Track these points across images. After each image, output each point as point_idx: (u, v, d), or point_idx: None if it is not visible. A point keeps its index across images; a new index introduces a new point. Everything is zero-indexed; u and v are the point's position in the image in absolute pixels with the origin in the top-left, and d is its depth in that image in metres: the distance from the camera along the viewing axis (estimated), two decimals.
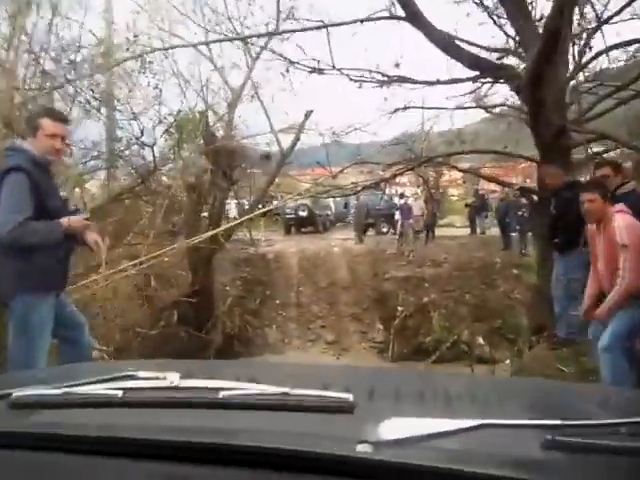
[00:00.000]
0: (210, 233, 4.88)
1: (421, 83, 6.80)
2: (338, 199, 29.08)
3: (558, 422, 0.88)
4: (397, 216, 18.02)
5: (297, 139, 10.42)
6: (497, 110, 9.39)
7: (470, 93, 7.93)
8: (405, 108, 7.02)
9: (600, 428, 0.90)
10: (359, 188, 6.10)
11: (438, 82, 6.80)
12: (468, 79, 6.80)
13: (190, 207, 9.85)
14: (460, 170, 7.07)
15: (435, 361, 11.30)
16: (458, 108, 7.21)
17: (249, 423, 0.99)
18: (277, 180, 10.40)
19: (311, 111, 10.35)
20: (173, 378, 1.08)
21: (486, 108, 9.04)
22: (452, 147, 8.89)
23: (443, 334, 11.77)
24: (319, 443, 0.85)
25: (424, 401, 1.23)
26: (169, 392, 1.05)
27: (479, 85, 7.76)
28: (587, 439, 0.82)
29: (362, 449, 0.82)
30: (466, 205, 20.55)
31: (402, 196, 18.54)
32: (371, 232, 21.71)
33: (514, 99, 8.20)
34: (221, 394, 0.99)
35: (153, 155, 6.26)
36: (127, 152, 6.09)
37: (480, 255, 14.49)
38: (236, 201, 10.10)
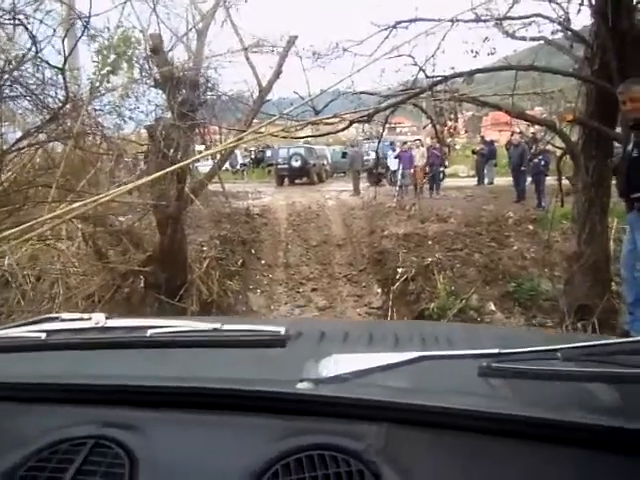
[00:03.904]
0: (128, 187, 3.29)
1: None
2: (336, 148, 27.59)
3: (495, 351, 0.87)
4: (395, 165, 16.33)
5: (279, 72, 8.65)
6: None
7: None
8: (412, 21, 5.24)
9: (536, 354, 0.88)
10: (341, 127, 4.37)
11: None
12: None
13: (153, 155, 8.22)
14: (484, 104, 5.28)
15: None
16: (479, 20, 5.41)
17: (178, 362, 0.95)
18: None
19: (295, 37, 8.56)
20: (99, 318, 1.03)
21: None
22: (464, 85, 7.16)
23: (449, 299, 10.39)
24: (257, 381, 0.85)
25: (365, 340, 1.19)
26: (95, 333, 1.00)
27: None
28: (522, 365, 0.83)
29: (302, 386, 0.81)
30: (473, 152, 18.87)
31: (404, 143, 16.80)
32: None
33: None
34: (149, 332, 0.95)
35: (64, 79, 4.56)
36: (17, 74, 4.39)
37: (490, 209, 12.97)
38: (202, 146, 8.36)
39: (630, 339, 0.99)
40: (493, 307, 10.51)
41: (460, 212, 12.61)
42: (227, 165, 28.29)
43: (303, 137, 5.88)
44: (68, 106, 4.89)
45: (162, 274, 9.77)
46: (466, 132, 27.53)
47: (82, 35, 4.62)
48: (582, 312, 4.72)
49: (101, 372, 0.91)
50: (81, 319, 1.07)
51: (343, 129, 4.39)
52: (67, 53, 4.44)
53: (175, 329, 0.98)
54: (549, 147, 10.20)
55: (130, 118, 7.03)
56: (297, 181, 22.73)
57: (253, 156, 29.92)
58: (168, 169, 4.28)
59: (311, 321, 1.96)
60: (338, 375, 0.83)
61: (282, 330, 0.95)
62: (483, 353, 0.88)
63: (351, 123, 4.02)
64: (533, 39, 6.12)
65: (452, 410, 0.79)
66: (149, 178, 3.90)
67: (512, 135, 19.14)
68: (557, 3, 6.62)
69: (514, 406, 0.82)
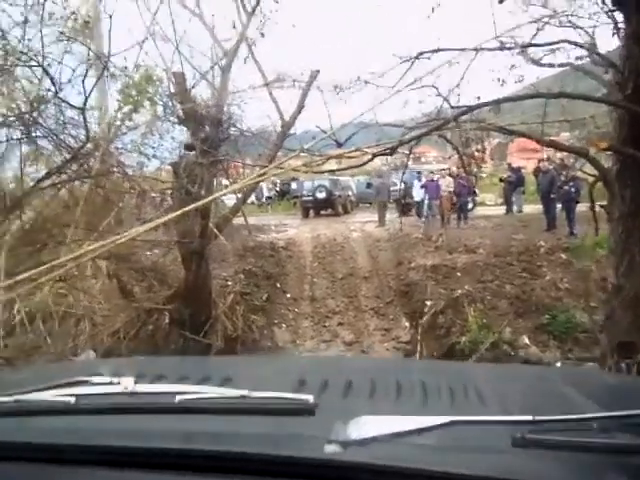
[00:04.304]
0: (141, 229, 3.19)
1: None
2: (361, 179, 27.59)
3: (529, 418, 0.85)
4: (420, 195, 16.14)
5: (301, 106, 8.67)
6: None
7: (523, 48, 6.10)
8: (435, 51, 5.14)
9: (571, 423, 0.86)
10: (368, 159, 4.23)
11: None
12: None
13: (177, 191, 8.24)
14: (511, 132, 5.10)
15: None
16: (504, 48, 5.27)
17: (207, 427, 0.95)
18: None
19: (317, 71, 8.58)
20: (127, 383, 1.03)
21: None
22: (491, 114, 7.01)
23: (480, 333, 10.04)
24: (284, 445, 0.85)
25: (393, 395, 1.17)
26: (123, 397, 1.01)
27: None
28: (557, 436, 0.81)
29: (329, 450, 0.79)
30: (500, 180, 18.54)
31: (430, 173, 16.63)
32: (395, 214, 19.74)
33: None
34: (177, 398, 0.95)
35: (84, 118, 4.55)
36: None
37: (520, 238, 12.63)
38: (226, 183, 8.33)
39: None
40: (527, 340, 10.10)
41: (489, 242, 12.32)
42: (253, 198, 28.58)
43: (325, 171, 5.82)
44: (90, 145, 4.89)
45: (186, 310, 9.69)
46: (492, 159, 27.30)
47: (102, 74, 4.65)
48: (625, 349, 4.42)
49: (129, 436, 0.92)
50: (110, 383, 1.07)
51: (366, 162, 4.27)
52: (88, 93, 4.45)
53: (202, 395, 0.98)
54: (579, 174, 9.91)
55: (154, 156, 7.05)
56: (322, 212, 22.69)
57: (278, 189, 30.10)
58: (189, 207, 4.19)
59: (336, 364, 1.84)
60: (366, 438, 0.81)
61: (310, 398, 0.93)
62: (516, 420, 0.87)
63: (374, 156, 3.90)
64: (561, 65, 5.96)
65: (485, 479, 0.77)
66: (168, 217, 3.82)
67: (540, 162, 18.89)
68: (582, 28, 6.49)
69: (549, 477, 0.80)
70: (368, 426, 0.84)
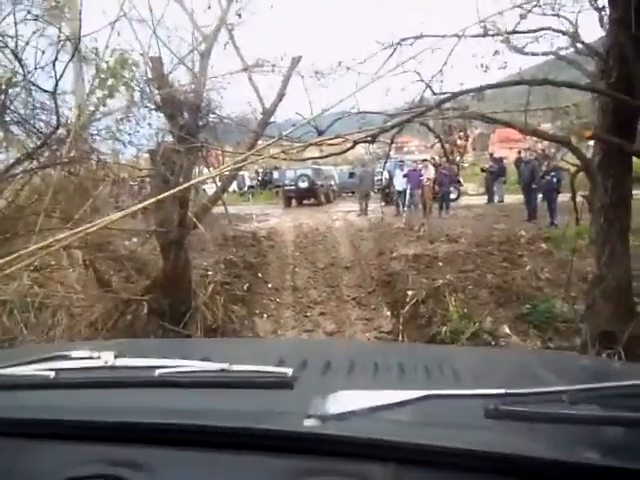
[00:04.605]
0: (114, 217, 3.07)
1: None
2: (344, 168, 27.46)
3: (501, 391, 0.87)
4: (402, 184, 16.08)
5: (282, 94, 8.52)
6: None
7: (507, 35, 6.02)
8: (417, 37, 5.03)
9: (543, 396, 0.89)
10: (348, 146, 4.11)
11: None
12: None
13: (155, 179, 8.07)
14: (494, 121, 5.03)
15: None
16: (487, 35, 5.19)
17: (187, 401, 0.96)
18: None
19: (299, 57, 8.44)
20: (107, 357, 1.04)
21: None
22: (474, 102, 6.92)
23: (462, 322, 10.05)
24: (264, 420, 0.85)
25: (371, 373, 1.20)
26: (103, 372, 1.01)
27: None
28: (528, 408, 0.83)
29: (308, 423, 0.81)
30: (482, 170, 18.60)
31: (413, 162, 16.58)
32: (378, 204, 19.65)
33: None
34: (157, 372, 0.96)
35: (55, 103, 4.37)
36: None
37: (501, 227, 12.67)
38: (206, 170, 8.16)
39: (629, 382, 0.92)
40: (507, 330, 10.14)
41: (470, 232, 12.31)
42: (235, 187, 28.30)
43: (305, 159, 5.65)
44: (62, 131, 4.70)
45: (165, 300, 9.54)
46: (474, 149, 27.36)
47: (72, 57, 4.46)
48: (606, 339, 4.41)
49: (108, 410, 0.92)
50: (90, 357, 1.06)
51: (347, 150, 4.17)
52: (58, 76, 4.27)
53: (182, 369, 0.99)
54: (561, 164, 9.93)
55: (130, 143, 6.85)
56: (305, 202, 22.56)
57: (260, 178, 29.86)
58: (164, 194, 4.05)
59: (316, 345, 1.99)
60: (344, 412, 0.83)
61: (289, 371, 0.94)
62: (489, 393, 0.88)
63: (355, 144, 3.80)
64: (544, 54, 5.90)
65: (459, 450, 0.79)
66: (142, 205, 3.68)
67: (520, 152, 18.97)
68: (565, 18, 6.43)
69: (520, 447, 0.81)
70: (346, 400, 0.86)
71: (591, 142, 6.27)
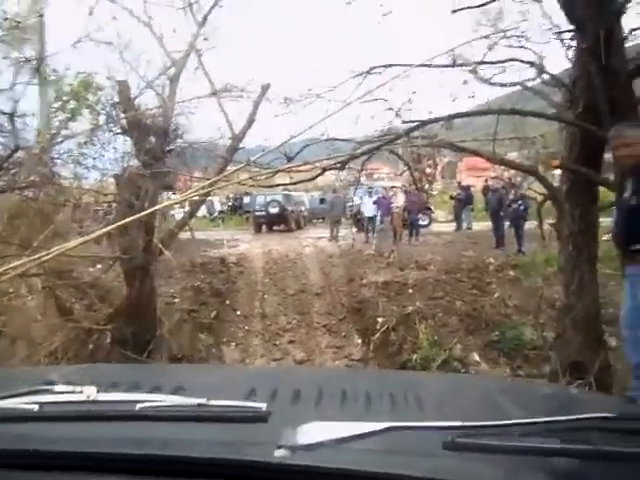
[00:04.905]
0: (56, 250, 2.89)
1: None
2: (314, 194, 27.50)
3: (459, 423, 0.94)
4: (371, 211, 16.14)
5: (252, 120, 8.48)
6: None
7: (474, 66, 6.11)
8: (387, 66, 5.02)
9: (495, 428, 0.94)
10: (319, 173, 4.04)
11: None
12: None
13: (120, 204, 7.86)
14: (462, 149, 5.04)
15: None
16: (455, 65, 5.23)
17: (164, 433, 1.01)
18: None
19: (268, 84, 8.42)
20: (89, 392, 1.08)
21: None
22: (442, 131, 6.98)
23: (432, 350, 9.98)
24: (237, 451, 0.93)
25: (339, 403, 1.26)
26: (85, 405, 1.06)
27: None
28: (482, 440, 0.90)
29: (279, 454, 0.86)
30: (451, 197, 18.83)
31: (383, 189, 16.66)
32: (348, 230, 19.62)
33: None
34: (137, 406, 1.01)
35: (13, 125, 4.18)
36: None
37: (470, 254, 12.76)
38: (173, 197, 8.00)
39: (584, 416, 0.97)
40: (477, 357, 10.10)
41: (440, 258, 12.36)
42: (205, 212, 28.06)
43: (274, 185, 5.53)
44: (21, 154, 4.51)
45: (129, 329, 9.23)
46: (442, 177, 27.77)
47: (32, 79, 4.30)
48: (576, 369, 4.37)
49: (91, 442, 0.96)
50: (73, 392, 1.09)
51: (316, 176, 4.10)
52: (17, 98, 4.09)
53: (162, 403, 1.03)
54: (528, 192, 10.08)
55: (94, 167, 6.65)
56: (275, 228, 22.44)
57: (231, 203, 29.66)
58: (128, 219, 3.92)
59: (285, 372, 1.98)
60: (313, 443, 0.87)
61: (263, 406, 1.00)
62: (448, 425, 0.94)
63: (324, 170, 3.73)
64: (512, 84, 5.98)
65: (419, 479, 0.85)
66: (102, 231, 3.52)
67: (487, 181, 19.30)
68: (531, 50, 6.57)
69: (474, 477, 0.89)
70: (315, 432, 0.90)
71: (557, 171, 6.35)
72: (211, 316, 11.15)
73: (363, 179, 20.86)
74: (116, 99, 7.01)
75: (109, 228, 3.65)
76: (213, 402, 1.02)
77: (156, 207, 5.05)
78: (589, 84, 3.91)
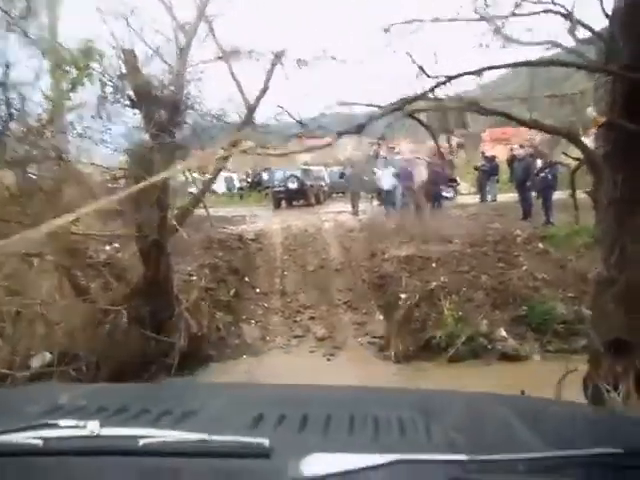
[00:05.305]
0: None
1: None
2: (335, 169, 27.03)
3: (466, 458, 0.95)
4: (389, 184, 15.69)
5: (265, 88, 8.12)
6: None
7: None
8: (408, 22, 4.59)
9: (501, 464, 0.95)
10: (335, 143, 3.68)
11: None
12: None
13: (132, 180, 7.61)
14: (491, 112, 4.63)
15: (450, 360, 9.20)
16: (481, 19, 4.77)
17: (168, 469, 1.04)
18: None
19: (282, 51, 8.03)
20: (93, 427, 1.11)
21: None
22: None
23: (457, 326, 9.69)
24: None
25: (346, 431, 1.24)
26: (90, 441, 1.08)
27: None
28: (486, 476, 0.93)
29: None
30: (475, 168, 18.22)
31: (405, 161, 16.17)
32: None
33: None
34: (140, 442, 1.03)
35: (6, 97, 3.88)
36: None
37: (496, 227, 12.30)
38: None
39: (599, 451, 0.92)
40: (504, 333, 9.77)
41: (464, 231, 11.91)
42: (224, 189, 27.82)
43: (288, 153, 5.27)
44: (16, 127, 4.23)
45: (146, 307, 9.08)
46: (465, 149, 27.07)
47: (22, 42, 4.01)
48: (619, 348, 4.01)
49: (94, 477, 1.00)
50: (77, 427, 1.11)
51: (330, 143, 3.75)
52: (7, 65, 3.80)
53: (164, 439, 1.04)
54: (562, 158, 9.54)
55: (102, 141, 6.36)
56: (294, 203, 22.10)
57: (250, 180, 29.35)
58: (131, 189, 3.64)
59: (293, 395, 1.74)
60: (317, 476, 0.87)
61: (266, 442, 1.00)
62: (455, 460, 0.95)
63: (340, 134, 3.38)
64: (541, 43, 5.50)
65: None
66: (99, 204, 3.24)
67: (512, 150, 18.63)
68: (561, 5, 6.05)
69: None
70: (320, 464, 0.90)
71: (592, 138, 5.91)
72: (230, 294, 10.96)
73: (383, 153, 20.36)
74: (123, 70, 6.69)
75: (108, 200, 3.38)
76: (215, 437, 1.03)
77: (162, 174, 4.73)
78: (636, 32, 3.46)
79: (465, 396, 1.66)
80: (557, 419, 1.49)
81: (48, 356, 9.54)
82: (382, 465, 0.92)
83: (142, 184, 3.58)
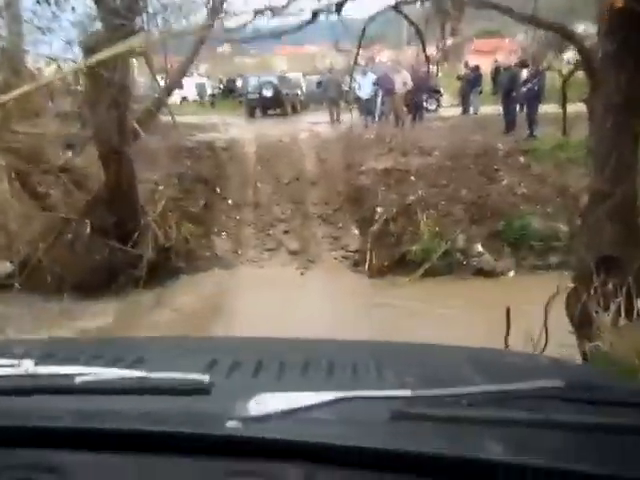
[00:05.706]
0: None
1: None
2: (313, 77, 25.78)
3: (409, 393, 0.97)
4: (365, 93, 14.92)
5: None
6: None
7: None
8: None
9: (445, 398, 0.97)
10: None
11: None
12: None
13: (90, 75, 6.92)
14: (484, 4, 4.09)
15: (424, 275, 9.07)
16: None
17: (106, 407, 1.00)
18: None
19: None
20: (28, 365, 1.09)
21: None
22: None
23: (433, 241, 9.50)
24: (183, 423, 0.89)
25: (296, 375, 1.26)
26: (23, 379, 1.06)
27: None
28: (430, 410, 0.92)
29: (230, 426, 0.85)
30: (458, 78, 17.44)
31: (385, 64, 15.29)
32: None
33: None
34: (77, 380, 1.02)
35: None
36: None
37: (477, 139, 11.86)
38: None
39: (538, 385, 0.97)
40: (480, 248, 9.64)
41: (445, 144, 11.48)
42: (195, 96, 26.51)
43: (255, 37, 4.59)
44: None
45: (110, 218, 8.62)
46: (447, 60, 26.01)
47: None
48: (609, 266, 3.76)
49: (27, 415, 0.95)
50: (10, 365, 1.06)
51: (307, 23, 3.20)
52: None
53: (101, 377, 1.03)
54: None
55: (49, 30, 5.60)
56: (270, 112, 21.14)
57: (222, 86, 27.94)
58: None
59: (253, 344, 1.60)
60: (264, 415, 0.87)
61: (206, 378, 0.98)
62: (399, 395, 0.97)
63: (315, 15, 2.86)
64: None
65: (364, 449, 0.85)
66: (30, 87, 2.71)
67: (496, 61, 17.84)
68: None
69: (421, 446, 0.86)
70: (267, 403, 0.90)
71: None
72: (199, 205, 10.50)
73: (363, 63, 19.30)
74: None
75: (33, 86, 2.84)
76: (154, 375, 1.01)
77: (95, 56, 4.08)
78: None
79: (426, 346, 1.63)
80: (510, 366, 1.50)
81: (9, 266, 9.15)
82: (328, 402, 0.93)
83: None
